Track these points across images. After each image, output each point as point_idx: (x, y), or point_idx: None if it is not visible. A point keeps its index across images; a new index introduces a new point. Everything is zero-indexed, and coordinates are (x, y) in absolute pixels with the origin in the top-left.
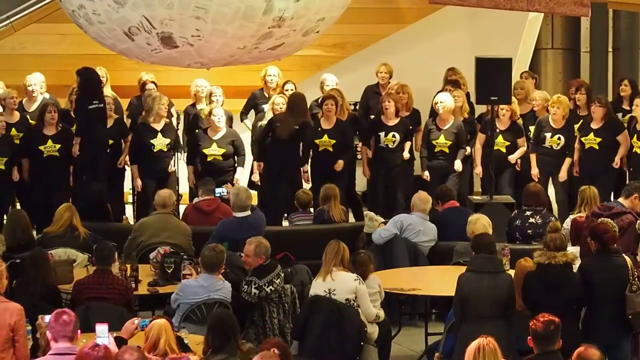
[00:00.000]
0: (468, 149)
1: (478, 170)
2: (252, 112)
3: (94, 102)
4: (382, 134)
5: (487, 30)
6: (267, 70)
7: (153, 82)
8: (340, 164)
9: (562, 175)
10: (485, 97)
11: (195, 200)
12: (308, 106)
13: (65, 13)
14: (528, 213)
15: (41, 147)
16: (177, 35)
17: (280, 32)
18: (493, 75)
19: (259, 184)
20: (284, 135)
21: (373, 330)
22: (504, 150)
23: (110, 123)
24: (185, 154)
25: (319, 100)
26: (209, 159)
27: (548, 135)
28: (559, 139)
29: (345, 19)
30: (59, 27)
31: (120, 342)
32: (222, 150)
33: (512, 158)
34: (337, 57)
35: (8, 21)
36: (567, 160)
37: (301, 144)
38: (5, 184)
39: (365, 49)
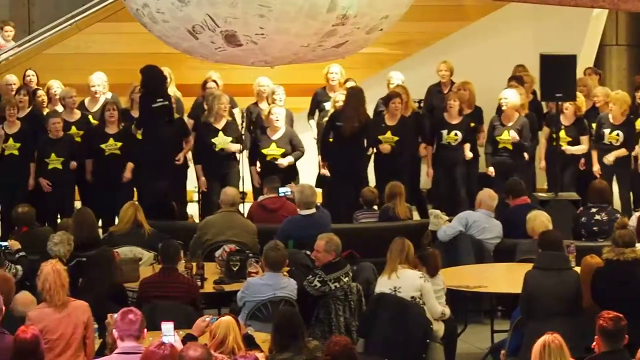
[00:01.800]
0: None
1: (542, 165)
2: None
3: (158, 100)
4: (444, 132)
5: (551, 27)
6: (330, 68)
7: (214, 81)
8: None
9: (610, 158)
10: (550, 93)
11: (260, 198)
12: (375, 104)
13: (129, 12)
14: (594, 210)
15: (102, 146)
16: (241, 33)
17: (344, 30)
18: (558, 72)
19: (324, 180)
20: (347, 132)
21: (439, 328)
22: (566, 146)
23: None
24: (247, 152)
25: (385, 98)
26: (267, 159)
27: (607, 131)
28: (617, 135)
29: (409, 16)
30: (123, 26)
31: (190, 339)
32: (281, 150)
33: (568, 149)
34: (400, 55)
35: (72, 20)
36: (622, 151)
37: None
38: (64, 184)
39: (428, 47)
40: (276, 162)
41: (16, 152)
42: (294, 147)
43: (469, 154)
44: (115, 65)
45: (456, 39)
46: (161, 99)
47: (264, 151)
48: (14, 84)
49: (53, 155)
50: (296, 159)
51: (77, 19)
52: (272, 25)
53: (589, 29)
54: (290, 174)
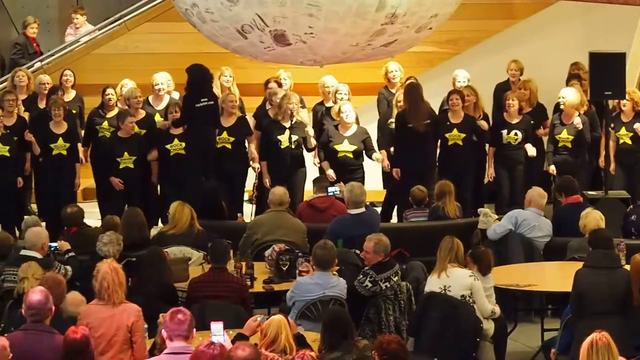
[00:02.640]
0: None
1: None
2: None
3: (202, 100)
4: (504, 131)
5: (600, 25)
6: (388, 67)
7: (276, 81)
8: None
9: None
10: (599, 92)
11: (310, 197)
12: (440, 102)
13: (178, 12)
14: None
15: (167, 146)
16: (289, 32)
17: (393, 29)
18: (607, 70)
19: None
20: (420, 130)
21: (489, 327)
22: (629, 142)
23: (232, 121)
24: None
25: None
26: (339, 155)
27: None
28: None
29: (458, 15)
30: (171, 25)
31: (241, 339)
32: (354, 147)
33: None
34: (449, 54)
35: (121, 20)
36: None
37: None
38: (134, 183)
39: (477, 45)
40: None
41: (64, 152)
42: (367, 147)
43: (531, 152)
44: (163, 65)
45: (505, 37)
46: (205, 99)
47: (337, 147)
48: (48, 83)
49: (126, 154)
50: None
51: (125, 19)
52: (321, 24)
53: (638, 27)
54: (357, 174)
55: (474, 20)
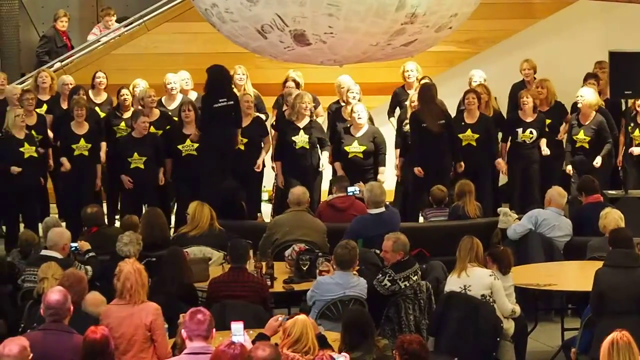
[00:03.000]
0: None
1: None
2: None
3: (221, 100)
4: (519, 130)
5: (620, 24)
6: (405, 66)
7: (294, 80)
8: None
9: None
10: (619, 91)
11: (330, 197)
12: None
13: (197, 12)
14: None
15: (180, 147)
16: (309, 32)
17: (413, 29)
18: (627, 69)
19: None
20: (434, 130)
21: (509, 326)
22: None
23: (247, 121)
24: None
25: (463, 96)
26: (350, 156)
27: None
28: None
29: (478, 14)
30: (191, 25)
31: (262, 339)
32: (363, 148)
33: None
34: (469, 53)
35: (141, 20)
36: None
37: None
38: (144, 183)
39: (497, 45)
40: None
41: (86, 153)
42: (377, 146)
43: (545, 150)
44: (183, 65)
45: (525, 37)
46: (224, 99)
47: (347, 148)
48: (71, 83)
49: (136, 154)
50: (384, 164)
51: (145, 19)
52: (341, 24)
53: None
54: (369, 174)
55: (494, 19)
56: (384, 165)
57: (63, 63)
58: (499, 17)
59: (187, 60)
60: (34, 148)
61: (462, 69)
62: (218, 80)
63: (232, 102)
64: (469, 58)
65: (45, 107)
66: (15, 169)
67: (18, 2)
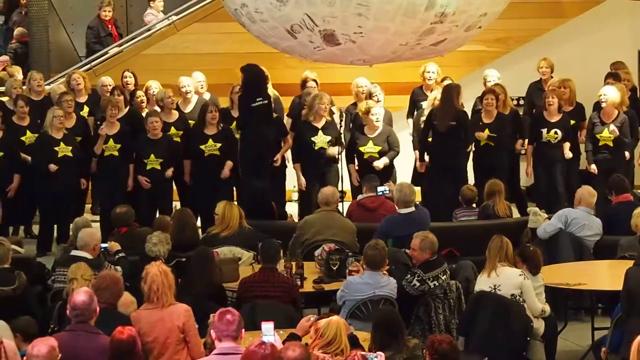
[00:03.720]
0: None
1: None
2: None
3: (258, 99)
4: (544, 130)
5: None
6: (426, 67)
7: (314, 80)
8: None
9: None
10: None
11: (359, 197)
12: (474, 101)
13: (227, 12)
14: None
15: (202, 147)
16: (339, 32)
17: (443, 28)
18: None
19: (421, 178)
20: (442, 129)
21: (539, 326)
22: None
23: None
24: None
25: (480, 96)
26: (365, 157)
27: None
28: None
29: (507, 13)
30: (221, 25)
31: (293, 339)
32: (378, 148)
33: None
34: (499, 52)
35: (170, 21)
36: None
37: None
38: (161, 184)
39: (527, 44)
40: (372, 164)
41: (116, 153)
42: (390, 145)
43: (568, 154)
44: (213, 65)
45: (554, 36)
46: (260, 98)
47: (362, 149)
48: (110, 85)
49: (152, 156)
50: (391, 159)
51: (174, 19)
52: (370, 24)
53: None
54: (387, 172)
55: (523, 19)
56: (388, 159)
57: (93, 63)
58: (529, 16)
59: (216, 61)
60: (70, 148)
61: (492, 69)
62: (254, 80)
63: (267, 102)
64: (498, 57)
65: (86, 108)
66: (53, 167)
67: (47, 2)
